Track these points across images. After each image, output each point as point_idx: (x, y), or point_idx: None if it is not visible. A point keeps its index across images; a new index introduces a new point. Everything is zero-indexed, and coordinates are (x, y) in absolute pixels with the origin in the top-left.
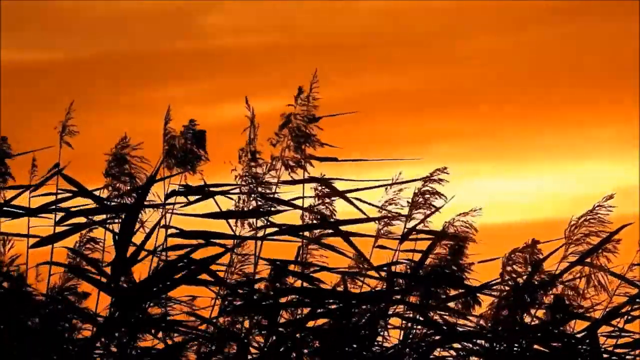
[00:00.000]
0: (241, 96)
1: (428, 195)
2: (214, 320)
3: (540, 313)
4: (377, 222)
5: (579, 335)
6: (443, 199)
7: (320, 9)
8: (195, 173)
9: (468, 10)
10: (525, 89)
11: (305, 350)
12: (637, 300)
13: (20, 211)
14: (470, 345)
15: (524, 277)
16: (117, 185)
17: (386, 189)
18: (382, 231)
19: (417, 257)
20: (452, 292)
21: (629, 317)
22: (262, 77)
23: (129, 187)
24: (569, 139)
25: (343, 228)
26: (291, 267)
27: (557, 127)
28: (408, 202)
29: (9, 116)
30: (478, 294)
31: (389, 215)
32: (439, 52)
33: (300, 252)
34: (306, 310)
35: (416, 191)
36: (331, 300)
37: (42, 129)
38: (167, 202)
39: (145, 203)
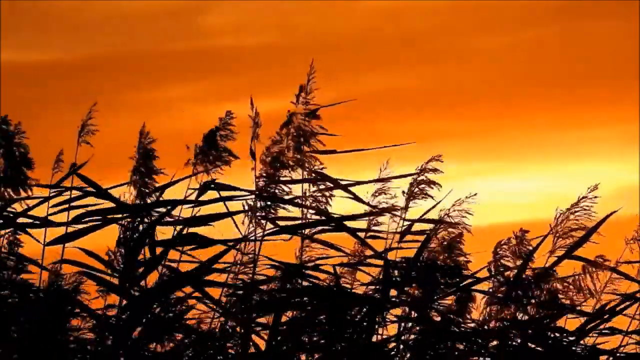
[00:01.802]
0: (241, 96)
1: (424, 185)
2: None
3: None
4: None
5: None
6: (438, 188)
7: (320, 9)
8: (223, 168)
9: (468, 9)
10: (525, 88)
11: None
12: (632, 297)
13: (37, 222)
14: (465, 344)
15: (514, 271)
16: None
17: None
18: (372, 224)
19: (413, 247)
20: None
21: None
22: (261, 77)
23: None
24: (569, 138)
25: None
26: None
27: (557, 127)
28: (403, 192)
29: (9, 116)
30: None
31: (387, 207)
32: (439, 52)
33: (300, 249)
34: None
35: (412, 181)
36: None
37: (42, 129)
38: (199, 198)
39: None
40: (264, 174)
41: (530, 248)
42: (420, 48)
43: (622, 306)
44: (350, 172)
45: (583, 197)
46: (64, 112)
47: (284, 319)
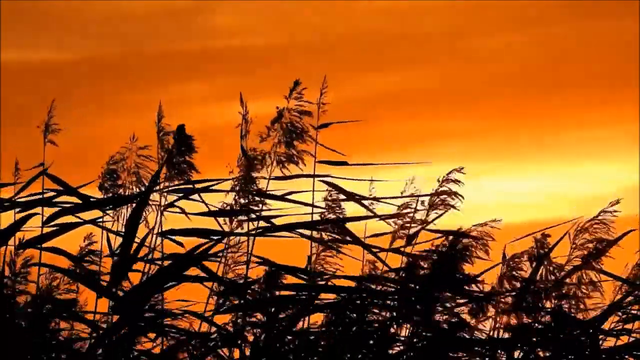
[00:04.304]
0: (247, 95)
1: (445, 196)
2: (210, 319)
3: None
4: (393, 225)
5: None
6: (459, 199)
7: (325, 9)
8: (190, 178)
9: (468, 10)
10: (529, 89)
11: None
12: (631, 297)
13: (7, 204)
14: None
15: (528, 274)
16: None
17: (401, 193)
18: (397, 234)
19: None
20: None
21: (630, 315)
22: (266, 77)
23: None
24: (573, 139)
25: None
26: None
27: (561, 127)
28: (423, 202)
29: (8, 116)
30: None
31: (402, 212)
32: (440, 52)
33: (311, 259)
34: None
35: (432, 191)
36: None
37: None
38: (169, 204)
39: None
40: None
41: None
42: (421, 48)
43: (624, 301)
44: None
45: (603, 211)
46: (63, 112)
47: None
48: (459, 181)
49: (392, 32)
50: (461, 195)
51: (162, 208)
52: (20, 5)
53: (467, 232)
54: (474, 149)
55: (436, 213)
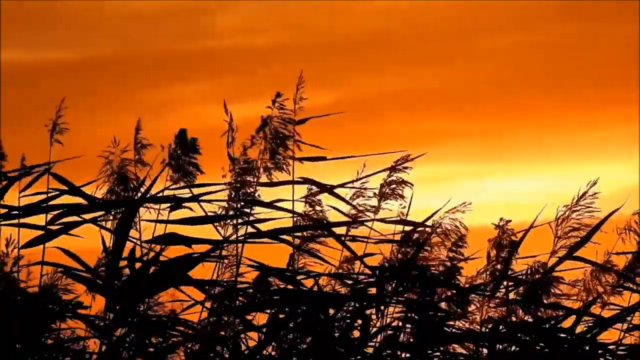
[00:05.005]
0: (248, 96)
1: (395, 185)
2: (198, 325)
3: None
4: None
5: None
6: (409, 186)
7: (326, 9)
8: (194, 181)
9: (472, 10)
10: (528, 89)
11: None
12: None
13: (15, 212)
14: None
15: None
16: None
17: (352, 183)
18: (350, 228)
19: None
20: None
21: (630, 326)
22: (266, 77)
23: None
24: (573, 139)
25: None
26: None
27: (561, 127)
28: (375, 193)
29: (9, 116)
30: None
31: (359, 208)
32: (441, 53)
33: (292, 258)
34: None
35: (382, 182)
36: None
37: (41, 129)
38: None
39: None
40: (238, 178)
41: (514, 239)
42: (421, 48)
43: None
44: (333, 176)
45: (583, 194)
46: (64, 112)
47: (263, 320)
48: (408, 168)
49: (393, 32)
50: (411, 184)
51: (160, 213)
52: (20, 5)
53: (438, 224)
54: (475, 149)
55: (387, 203)
